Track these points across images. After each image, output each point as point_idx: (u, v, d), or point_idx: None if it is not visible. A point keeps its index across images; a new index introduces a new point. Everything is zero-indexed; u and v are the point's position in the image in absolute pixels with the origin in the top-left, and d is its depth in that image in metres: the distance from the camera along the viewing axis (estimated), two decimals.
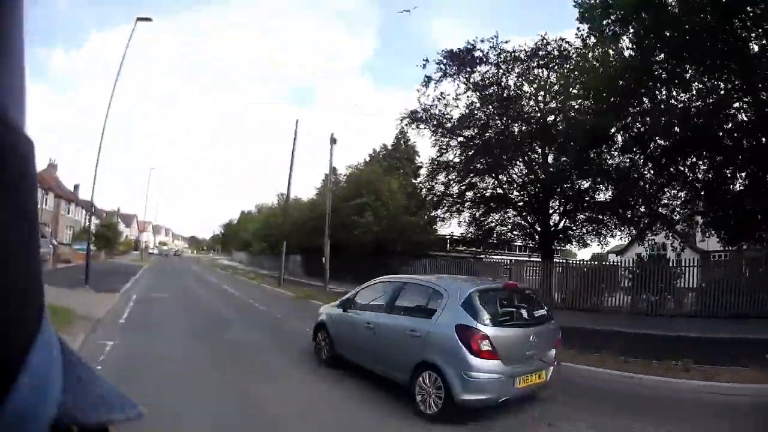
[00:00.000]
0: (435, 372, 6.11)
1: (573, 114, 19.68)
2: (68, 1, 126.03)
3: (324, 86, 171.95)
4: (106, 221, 64.95)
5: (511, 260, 27.36)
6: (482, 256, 28.28)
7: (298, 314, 15.98)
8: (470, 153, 23.40)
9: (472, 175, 24.07)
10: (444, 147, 24.91)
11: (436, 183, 25.66)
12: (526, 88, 22.80)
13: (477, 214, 25.34)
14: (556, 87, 21.64)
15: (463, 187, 24.84)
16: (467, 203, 25.17)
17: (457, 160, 24.44)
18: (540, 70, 22.51)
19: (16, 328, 0.42)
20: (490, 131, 22.83)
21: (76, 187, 69.03)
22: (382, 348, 7.14)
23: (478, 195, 24.97)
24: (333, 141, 28.03)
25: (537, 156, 22.89)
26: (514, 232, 25.39)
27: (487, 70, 22.47)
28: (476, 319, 6.03)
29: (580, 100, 19.87)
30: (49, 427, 0.43)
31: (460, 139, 24.11)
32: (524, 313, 6.70)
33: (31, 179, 0.45)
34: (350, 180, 39.93)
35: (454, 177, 24.76)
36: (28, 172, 0.44)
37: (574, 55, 20.84)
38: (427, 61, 22.64)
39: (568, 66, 20.82)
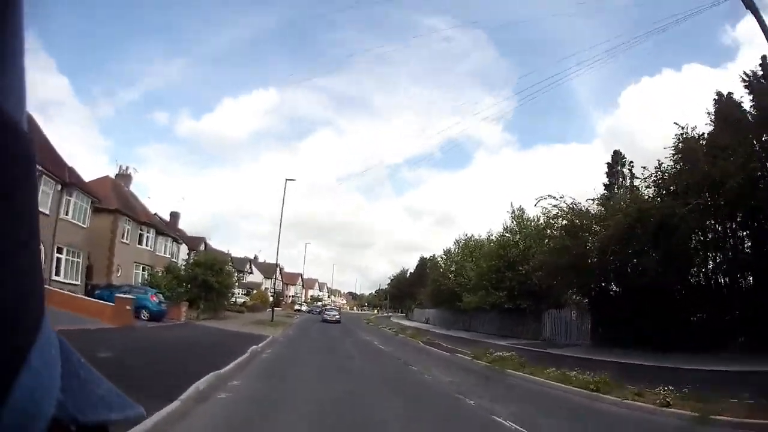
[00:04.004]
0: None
1: None
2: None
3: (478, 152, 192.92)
4: (202, 256, 39.39)
5: None
6: None
7: None
8: None
9: None
10: None
11: None
12: None
13: None
14: None
15: None
16: None
17: None
18: None
19: (16, 328, 0.43)
20: None
21: (173, 215, 52.60)
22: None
23: None
24: None
25: None
26: None
27: None
28: (322, 314, 58.82)
29: None
30: (48, 427, 0.45)
31: None
32: (332, 309, 65.53)
33: (32, 179, 0.47)
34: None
35: None
36: (28, 171, 0.46)
37: None
38: None
39: None
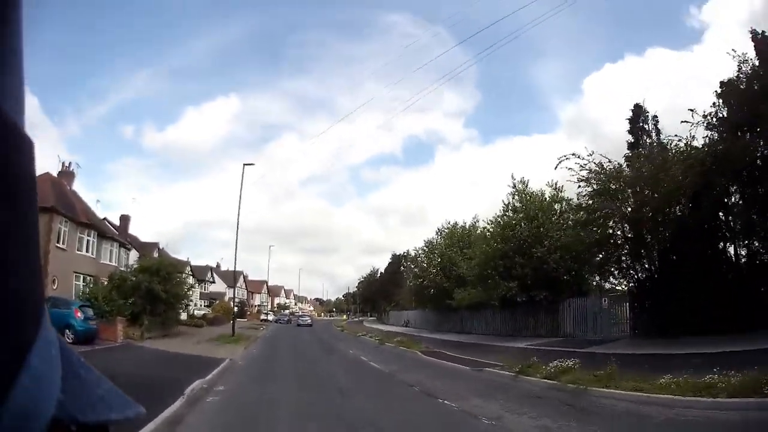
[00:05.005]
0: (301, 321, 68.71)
1: None
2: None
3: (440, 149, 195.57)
4: (147, 261, 32.72)
5: None
6: None
7: None
8: None
9: None
10: None
11: None
12: None
13: None
14: None
15: None
16: None
17: None
18: None
19: (16, 328, 0.43)
20: None
21: (123, 218, 44.77)
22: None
23: None
24: None
25: None
26: None
27: None
28: (296, 320, 73.41)
29: None
30: (48, 427, 0.44)
31: None
32: (304, 316, 78.86)
33: (31, 180, 0.47)
34: None
35: None
36: (27, 172, 0.46)
37: None
38: None
39: None
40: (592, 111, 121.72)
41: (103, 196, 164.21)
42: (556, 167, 24.21)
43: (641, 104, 28.49)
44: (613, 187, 22.27)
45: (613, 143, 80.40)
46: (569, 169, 23.56)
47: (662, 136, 24.94)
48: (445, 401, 11.48)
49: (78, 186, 35.74)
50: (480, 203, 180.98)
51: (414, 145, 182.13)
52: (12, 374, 0.41)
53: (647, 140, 27.04)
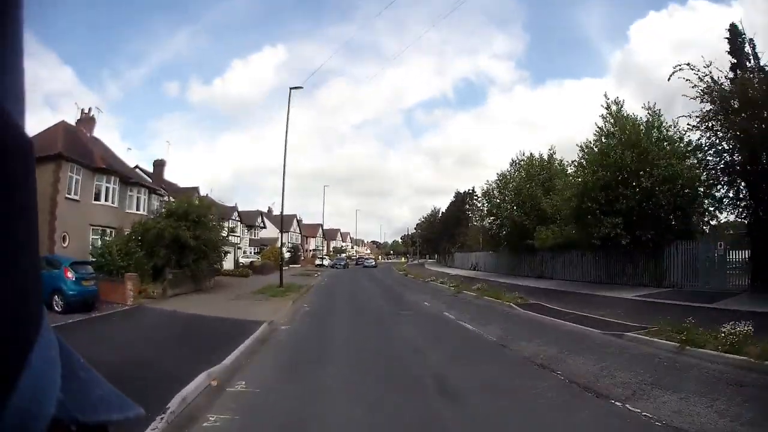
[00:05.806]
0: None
1: None
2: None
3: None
4: (174, 204, 27.03)
5: None
6: None
7: None
8: None
9: None
10: None
11: None
12: None
13: None
14: None
15: None
16: None
17: None
18: None
19: (16, 328, 0.43)
20: None
21: (157, 163, 41.04)
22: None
23: None
24: None
25: None
26: None
27: None
28: (362, 263, 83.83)
29: None
30: (48, 427, 0.45)
31: None
32: (369, 258, 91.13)
33: (31, 179, 0.47)
34: None
35: None
36: (27, 171, 0.46)
37: None
38: None
39: None
40: (640, 56, 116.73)
41: (150, 152, 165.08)
42: (669, 78, 20.64)
43: (737, 24, 23.10)
44: (735, 105, 18.61)
45: (663, 90, 78.48)
46: (686, 80, 19.93)
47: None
48: (626, 405, 6.63)
49: (113, 138, 31.52)
50: (534, 144, 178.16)
51: (466, 87, 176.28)
52: (13, 375, 0.41)
53: (747, 63, 21.69)
